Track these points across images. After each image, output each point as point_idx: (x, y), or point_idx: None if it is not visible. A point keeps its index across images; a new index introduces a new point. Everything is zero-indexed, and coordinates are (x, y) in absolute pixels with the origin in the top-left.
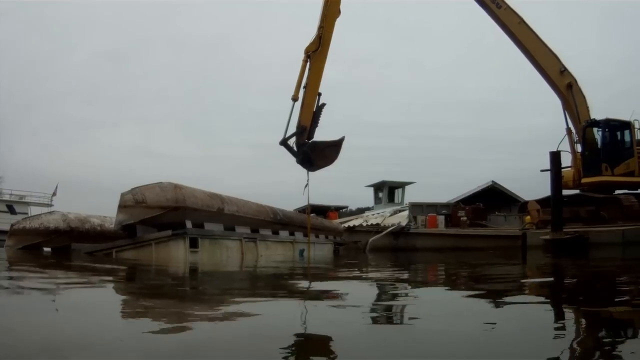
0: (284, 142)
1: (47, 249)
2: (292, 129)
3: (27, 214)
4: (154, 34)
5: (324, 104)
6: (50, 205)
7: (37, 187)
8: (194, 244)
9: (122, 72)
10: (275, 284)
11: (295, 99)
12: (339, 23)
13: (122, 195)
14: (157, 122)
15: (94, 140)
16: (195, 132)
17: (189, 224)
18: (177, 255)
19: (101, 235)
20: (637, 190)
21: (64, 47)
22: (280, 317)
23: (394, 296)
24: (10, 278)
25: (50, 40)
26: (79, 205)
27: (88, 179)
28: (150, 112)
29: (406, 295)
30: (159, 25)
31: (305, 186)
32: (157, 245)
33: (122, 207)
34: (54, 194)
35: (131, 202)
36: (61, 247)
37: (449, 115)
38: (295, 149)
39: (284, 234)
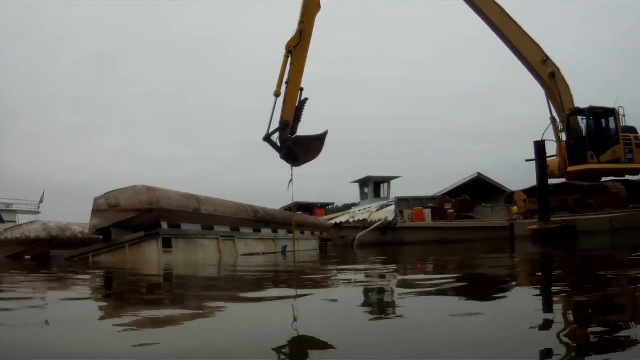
0: (267, 138)
1: (28, 257)
2: (276, 124)
3: (15, 222)
4: (139, 38)
5: (306, 99)
6: (38, 213)
7: (26, 195)
8: (167, 244)
9: (108, 77)
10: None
11: (277, 94)
12: (321, 19)
13: (96, 199)
14: (144, 125)
15: (81, 145)
16: (181, 134)
17: (164, 225)
18: (150, 256)
19: (82, 243)
20: (623, 177)
21: (49, 54)
22: None
23: None
24: None
25: (35, 47)
26: (67, 211)
27: (76, 184)
28: (136, 116)
29: None
30: (144, 29)
31: (290, 182)
32: (131, 248)
33: (96, 211)
34: (41, 201)
35: (104, 206)
36: (41, 255)
37: (433, 108)
38: (278, 144)
39: (266, 232)
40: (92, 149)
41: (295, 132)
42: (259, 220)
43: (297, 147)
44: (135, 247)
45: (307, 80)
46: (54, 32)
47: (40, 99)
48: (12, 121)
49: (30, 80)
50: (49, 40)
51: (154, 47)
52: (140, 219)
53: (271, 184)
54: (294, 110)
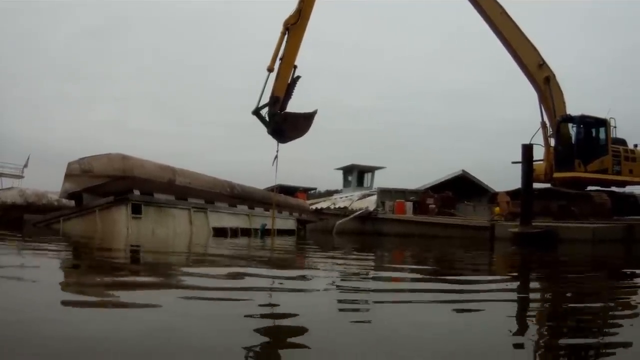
0: (256, 112)
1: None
2: (266, 99)
3: None
4: (138, 13)
5: (298, 77)
6: (22, 177)
7: (11, 159)
8: (137, 210)
9: (104, 50)
10: None
11: (270, 69)
12: (322, 6)
13: (69, 164)
14: (136, 100)
15: (71, 115)
16: (172, 111)
17: (137, 194)
18: (120, 221)
19: (58, 210)
20: (609, 187)
21: (48, 24)
22: None
23: None
24: None
25: (34, 17)
26: (51, 179)
27: (63, 153)
28: (129, 90)
29: None
30: (143, 4)
31: (275, 158)
32: (101, 213)
33: (69, 175)
34: (26, 165)
35: (77, 171)
36: (16, 219)
37: (425, 103)
38: (267, 119)
39: (242, 208)
40: (83, 119)
41: (284, 109)
42: (235, 196)
43: (285, 123)
44: (105, 212)
45: (302, 63)
46: (53, 2)
47: (35, 69)
48: (5, 87)
49: (27, 48)
50: (47, 11)
51: (152, 24)
52: (113, 185)
53: (257, 164)
54: (285, 86)
